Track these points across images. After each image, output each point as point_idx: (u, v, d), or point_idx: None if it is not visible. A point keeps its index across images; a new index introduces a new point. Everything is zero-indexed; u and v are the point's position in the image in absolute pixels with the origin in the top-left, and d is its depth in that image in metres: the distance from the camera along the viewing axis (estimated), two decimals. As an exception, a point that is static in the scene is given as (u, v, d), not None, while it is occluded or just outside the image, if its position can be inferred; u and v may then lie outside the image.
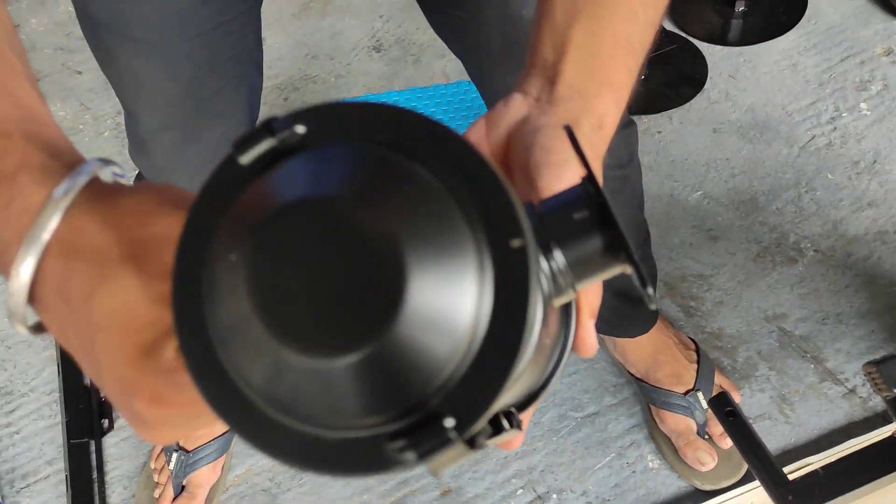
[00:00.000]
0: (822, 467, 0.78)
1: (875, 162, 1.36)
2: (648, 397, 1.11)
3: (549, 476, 1.11)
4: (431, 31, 0.87)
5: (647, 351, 1.10)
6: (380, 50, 1.66)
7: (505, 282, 0.21)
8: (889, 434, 0.82)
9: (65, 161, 0.29)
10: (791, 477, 0.78)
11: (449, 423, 0.20)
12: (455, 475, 1.12)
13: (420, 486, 1.12)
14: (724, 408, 0.80)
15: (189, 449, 1.09)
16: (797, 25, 1.56)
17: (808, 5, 1.58)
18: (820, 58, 1.51)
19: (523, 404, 0.31)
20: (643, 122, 1.44)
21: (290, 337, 0.20)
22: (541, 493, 1.10)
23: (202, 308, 0.22)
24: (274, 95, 1.60)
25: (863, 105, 1.44)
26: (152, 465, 1.11)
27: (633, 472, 1.10)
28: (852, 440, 1.04)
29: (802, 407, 1.13)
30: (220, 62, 0.84)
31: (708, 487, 1.06)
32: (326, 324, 0.20)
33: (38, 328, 0.29)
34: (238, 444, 1.16)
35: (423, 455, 0.20)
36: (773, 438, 1.10)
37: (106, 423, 1.17)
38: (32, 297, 0.27)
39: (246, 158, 0.22)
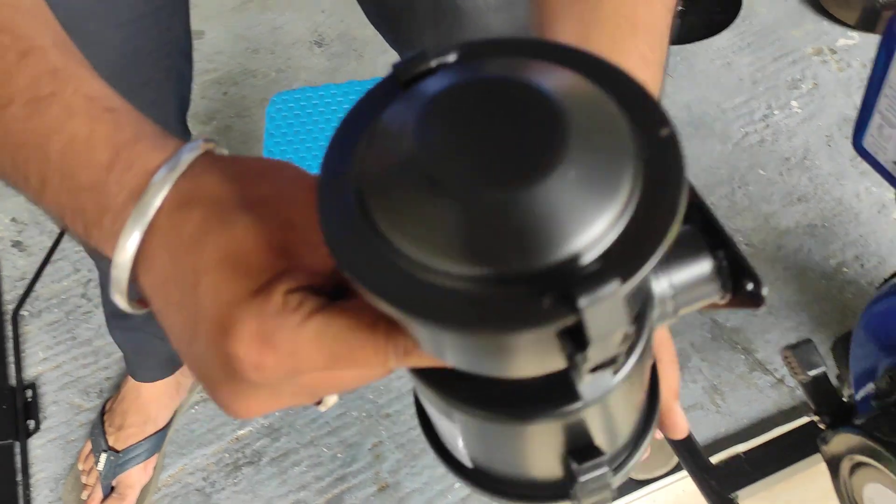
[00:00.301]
0: (744, 452, 0.79)
1: (805, 158, 1.40)
2: (584, 389, 1.12)
3: (486, 469, 1.11)
4: (373, 25, 0.86)
5: (582, 343, 1.11)
6: (322, 45, 1.65)
7: (658, 163, 0.23)
8: (809, 419, 0.84)
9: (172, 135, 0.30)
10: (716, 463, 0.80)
11: (611, 275, 0.21)
12: (392, 470, 1.12)
13: (357, 482, 1.11)
14: (650, 397, 0.81)
15: (119, 449, 1.06)
16: (732, 25, 1.59)
17: (743, 5, 1.62)
18: (753, 57, 1.55)
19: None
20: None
21: (458, 179, 0.21)
22: (478, 486, 1.10)
23: (352, 186, 0.23)
24: (213, 90, 1.57)
25: (794, 103, 1.47)
26: (80, 467, 1.08)
27: (570, 463, 1.11)
28: (780, 428, 1.07)
29: (733, 397, 1.15)
30: (147, 52, 0.82)
31: (640, 476, 1.08)
32: (492, 166, 0.22)
33: (137, 303, 0.29)
34: (171, 444, 1.14)
35: (586, 304, 0.20)
36: (705, 428, 1.12)
37: (32, 424, 1.14)
38: (136, 259, 0.28)
39: (404, 76, 0.24)
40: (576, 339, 0.21)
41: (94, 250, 0.30)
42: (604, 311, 0.21)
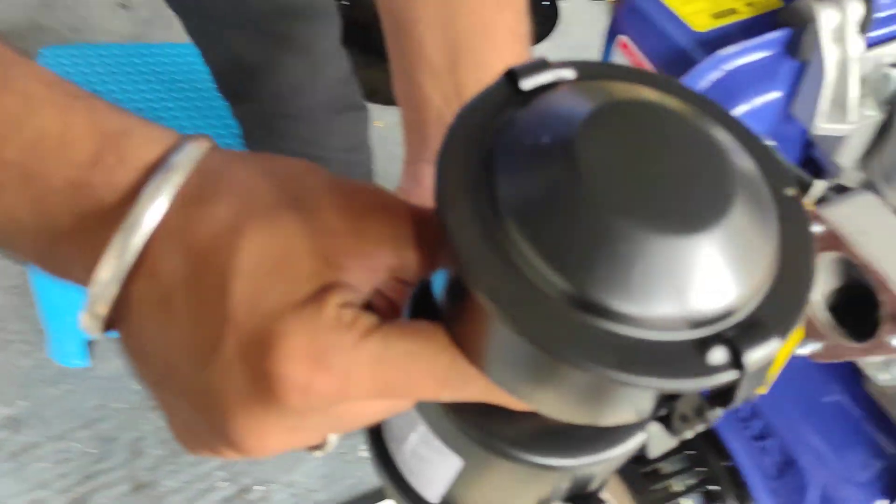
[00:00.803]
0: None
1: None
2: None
3: (255, 467, 1.06)
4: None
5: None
6: (127, 7, 1.53)
7: (786, 223, 0.22)
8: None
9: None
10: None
11: (772, 333, 0.20)
12: (151, 468, 1.04)
13: (108, 481, 1.02)
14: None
15: None
16: (549, 37, 1.64)
17: (560, 21, 1.67)
18: (566, 71, 1.60)
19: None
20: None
21: (628, 213, 0.20)
22: (244, 485, 1.05)
23: (485, 201, 0.21)
24: (-7, 42, 1.41)
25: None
26: None
27: (345, 461, 1.08)
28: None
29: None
30: None
31: (414, 476, 1.07)
32: (663, 205, 0.20)
33: (108, 325, 0.25)
34: None
35: (752, 362, 0.19)
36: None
37: None
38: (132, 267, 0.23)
39: (528, 84, 0.23)
40: (713, 397, 0.21)
41: (56, 270, 0.25)
42: (759, 370, 0.20)
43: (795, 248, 0.22)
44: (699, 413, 0.21)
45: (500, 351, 0.22)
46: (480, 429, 0.26)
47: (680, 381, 0.19)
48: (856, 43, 0.44)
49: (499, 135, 0.22)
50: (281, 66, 0.92)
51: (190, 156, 0.24)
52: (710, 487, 0.52)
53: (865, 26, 0.45)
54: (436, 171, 0.22)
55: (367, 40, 1.45)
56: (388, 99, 1.49)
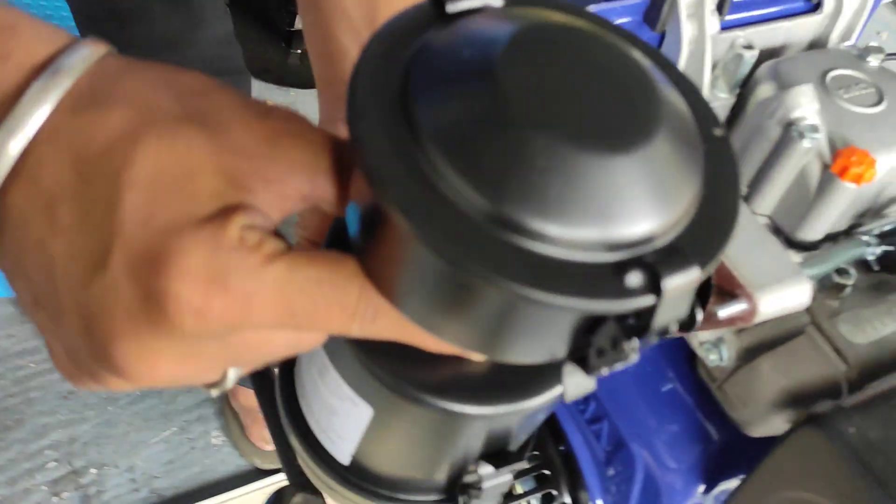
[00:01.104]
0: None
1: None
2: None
3: (92, 449, 0.98)
4: None
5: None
6: (3, -50, 1.41)
7: (714, 160, 0.22)
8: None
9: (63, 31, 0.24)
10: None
11: (692, 260, 0.20)
12: (-29, 443, 0.94)
13: (-82, 455, 0.92)
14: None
15: None
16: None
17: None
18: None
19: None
20: (289, 93, 1.39)
21: (552, 133, 0.19)
22: (78, 467, 0.96)
23: (400, 117, 0.21)
24: None
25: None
26: None
27: (193, 448, 1.02)
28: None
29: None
30: None
31: (267, 466, 1.02)
32: (587, 125, 0.20)
33: None
34: None
35: (671, 287, 0.19)
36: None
37: None
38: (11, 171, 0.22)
39: (454, 7, 0.22)
40: (631, 326, 0.20)
41: None
42: (679, 298, 0.20)
43: (721, 186, 0.22)
44: (615, 345, 0.21)
45: (412, 277, 0.21)
46: (391, 372, 0.26)
47: (595, 301, 0.19)
48: (712, 21, 0.44)
49: (418, 53, 0.22)
50: (154, 15, 0.86)
51: (83, 59, 0.22)
52: (544, 472, 0.50)
53: (723, 7, 0.45)
54: (349, 85, 0.21)
55: (254, 7, 1.39)
56: (279, 78, 1.45)
